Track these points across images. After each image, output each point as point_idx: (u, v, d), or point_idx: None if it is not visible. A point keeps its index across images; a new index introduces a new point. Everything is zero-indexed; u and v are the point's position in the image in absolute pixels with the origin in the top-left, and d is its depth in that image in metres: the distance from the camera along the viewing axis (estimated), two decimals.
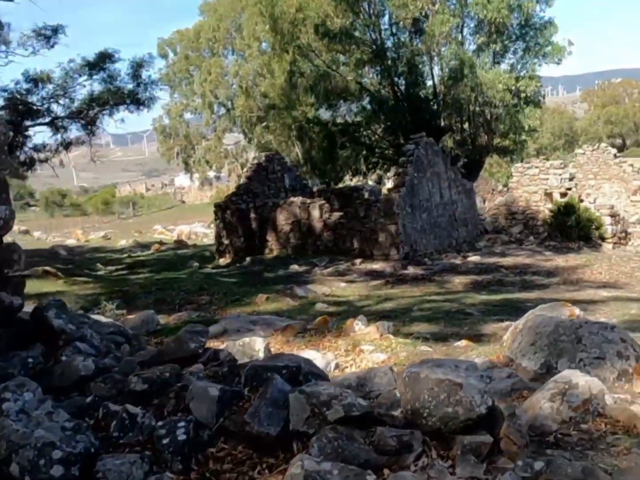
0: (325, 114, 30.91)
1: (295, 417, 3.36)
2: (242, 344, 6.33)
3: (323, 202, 20.08)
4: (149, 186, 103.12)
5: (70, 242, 34.59)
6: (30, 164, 21.04)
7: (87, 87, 20.22)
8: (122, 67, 21.82)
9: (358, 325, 7.39)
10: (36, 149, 20.63)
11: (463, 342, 6.92)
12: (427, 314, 10.43)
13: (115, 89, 19.81)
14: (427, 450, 3.31)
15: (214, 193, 69.76)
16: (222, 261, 21.45)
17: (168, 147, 67.34)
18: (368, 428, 3.34)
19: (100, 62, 19.45)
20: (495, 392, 4.95)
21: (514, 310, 11.32)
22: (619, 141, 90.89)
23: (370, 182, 34.32)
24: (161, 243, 31.53)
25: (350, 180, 33.47)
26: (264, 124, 37.72)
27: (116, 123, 21.71)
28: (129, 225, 53.36)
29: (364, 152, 28.31)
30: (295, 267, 18.09)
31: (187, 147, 67.82)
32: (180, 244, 30.19)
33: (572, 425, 4.48)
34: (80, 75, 19.57)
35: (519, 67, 28.17)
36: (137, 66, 20.15)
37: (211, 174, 78.42)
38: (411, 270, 17.79)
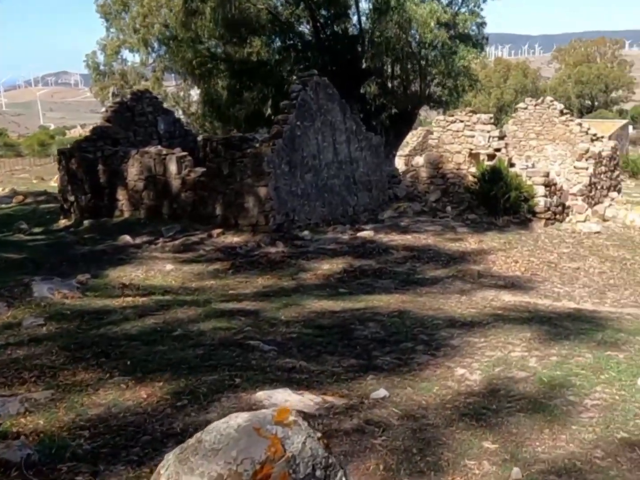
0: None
1: None
2: None
3: (183, 154, 15.76)
4: None
5: None
6: None
7: None
8: None
9: None
10: None
11: None
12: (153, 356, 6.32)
13: None
14: None
15: None
16: (63, 223, 17.16)
17: (102, 87, 61.86)
18: None
19: None
20: None
21: (343, 337, 7.33)
22: (587, 102, 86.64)
23: None
24: (45, 193, 27.22)
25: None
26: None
27: None
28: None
29: (273, 93, 23.77)
30: (126, 239, 13.88)
31: (123, 87, 62.55)
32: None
33: None
34: None
35: (460, 1, 23.82)
36: None
37: None
38: (279, 247, 13.70)
